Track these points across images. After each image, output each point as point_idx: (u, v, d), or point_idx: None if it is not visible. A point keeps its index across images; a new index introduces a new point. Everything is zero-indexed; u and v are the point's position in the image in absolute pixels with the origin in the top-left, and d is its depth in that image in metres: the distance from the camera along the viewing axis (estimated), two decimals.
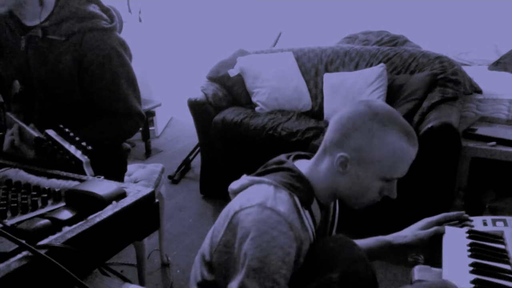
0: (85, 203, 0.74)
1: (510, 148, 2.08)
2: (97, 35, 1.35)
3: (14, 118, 1.25)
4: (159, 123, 4.16)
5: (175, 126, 4.46)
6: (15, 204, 0.77)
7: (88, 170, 0.92)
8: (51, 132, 0.99)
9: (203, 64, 3.24)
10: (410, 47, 2.95)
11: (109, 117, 1.42)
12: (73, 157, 0.93)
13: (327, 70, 2.87)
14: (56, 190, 0.83)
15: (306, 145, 2.34)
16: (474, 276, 0.85)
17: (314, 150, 1.04)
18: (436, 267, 0.95)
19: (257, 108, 2.81)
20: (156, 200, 0.84)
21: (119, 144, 1.56)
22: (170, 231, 2.46)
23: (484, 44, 3.15)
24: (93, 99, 1.40)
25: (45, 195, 0.82)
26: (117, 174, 1.59)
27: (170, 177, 3.13)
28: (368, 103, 0.96)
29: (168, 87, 4.37)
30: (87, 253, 0.67)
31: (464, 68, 2.57)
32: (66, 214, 0.70)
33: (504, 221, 1.05)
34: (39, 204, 0.79)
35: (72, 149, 0.95)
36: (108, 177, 0.92)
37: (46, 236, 0.65)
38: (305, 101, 2.84)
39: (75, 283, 0.62)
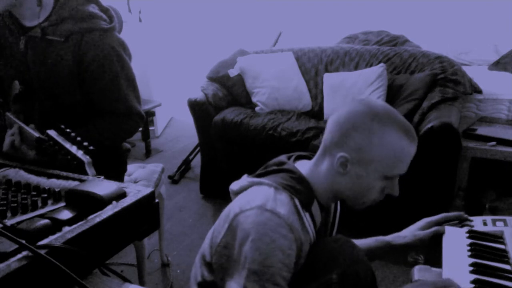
0: (85, 203, 0.74)
1: (510, 148, 2.08)
2: (97, 36, 1.35)
3: (14, 119, 1.25)
4: (159, 123, 4.16)
5: (175, 126, 4.46)
6: (15, 204, 0.77)
7: (90, 170, 0.92)
8: (52, 133, 0.99)
9: (203, 64, 3.24)
10: (410, 47, 2.95)
11: (109, 117, 1.42)
12: (75, 157, 0.93)
13: (327, 70, 2.87)
14: (56, 190, 0.83)
15: (306, 145, 2.34)
16: (474, 276, 0.85)
17: (314, 150, 1.04)
18: (436, 267, 0.95)
19: (257, 108, 2.81)
20: (156, 200, 0.84)
21: (119, 144, 1.56)
22: (170, 231, 2.46)
23: (484, 44, 3.15)
24: (93, 99, 1.40)
25: (45, 195, 0.82)
26: (117, 174, 1.59)
27: (170, 177, 3.13)
28: (366, 102, 0.96)
29: (168, 87, 4.37)
30: (87, 253, 0.67)
31: (464, 68, 2.57)
32: (66, 214, 0.70)
33: (504, 221, 1.05)
34: (39, 204, 0.79)
35: (73, 149, 0.95)
36: (108, 177, 0.92)
37: (46, 236, 0.65)
38: (305, 101, 2.84)
39: (75, 283, 0.62)
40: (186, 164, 3.29)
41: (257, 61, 2.94)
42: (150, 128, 3.83)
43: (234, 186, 1.03)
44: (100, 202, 0.75)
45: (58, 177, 0.91)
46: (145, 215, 0.81)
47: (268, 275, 0.84)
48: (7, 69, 1.42)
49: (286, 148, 2.26)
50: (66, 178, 0.91)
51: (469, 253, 0.93)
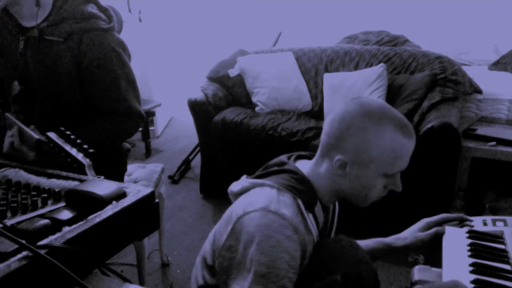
0: (85, 203, 0.74)
1: (510, 148, 2.08)
2: (96, 36, 1.34)
3: (14, 119, 1.25)
4: (159, 123, 4.16)
5: (175, 126, 4.46)
6: (15, 204, 0.77)
7: (90, 173, 0.92)
8: (52, 135, 0.99)
9: (203, 64, 3.24)
10: (410, 47, 2.95)
11: (109, 117, 1.42)
12: (75, 160, 0.93)
13: (327, 70, 2.87)
14: (56, 190, 0.83)
15: (306, 145, 2.34)
16: (474, 276, 0.85)
17: (314, 150, 1.03)
18: (436, 267, 0.95)
19: (257, 108, 2.81)
20: (156, 200, 0.84)
21: (119, 144, 1.56)
22: (170, 231, 2.46)
23: (484, 44, 3.15)
24: (93, 100, 1.40)
25: (45, 195, 0.82)
26: (117, 174, 1.59)
27: (170, 177, 3.13)
28: (360, 101, 0.94)
29: (168, 87, 4.37)
30: (87, 253, 0.67)
31: (464, 68, 2.57)
32: (66, 214, 0.70)
33: (504, 221, 1.05)
34: (39, 204, 0.79)
35: (73, 151, 0.94)
36: (108, 177, 0.92)
37: (46, 236, 0.65)
38: (305, 101, 2.84)
39: (75, 283, 0.62)
40: (186, 164, 3.29)
41: (257, 61, 2.94)
42: (150, 128, 3.84)
43: (234, 187, 1.02)
44: (100, 202, 0.75)
45: (58, 177, 0.91)
46: (145, 215, 0.81)
47: (274, 277, 0.83)
48: (7, 69, 1.42)
49: (286, 148, 2.26)
50: (66, 178, 0.91)
51: (469, 253, 0.93)
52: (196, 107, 2.69)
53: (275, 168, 1.00)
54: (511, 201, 2.19)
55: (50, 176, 0.92)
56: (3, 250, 0.60)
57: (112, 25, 1.40)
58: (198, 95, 2.72)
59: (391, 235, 1.13)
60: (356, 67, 2.79)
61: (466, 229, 1.04)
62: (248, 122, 2.54)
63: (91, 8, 1.39)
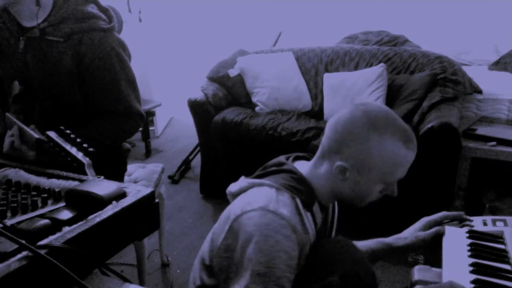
0: (85, 203, 0.74)
1: (510, 148, 2.08)
2: (96, 36, 1.35)
3: (14, 119, 1.25)
4: (159, 123, 4.16)
5: (175, 126, 4.46)
6: (15, 204, 0.77)
7: (90, 172, 0.92)
8: (52, 134, 0.99)
9: (203, 64, 3.24)
10: (410, 47, 2.95)
11: (109, 117, 1.42)
12: (75, 159, 0.93)
13: (327, 70, 2.87)
14: (56, 190, 0.83)
15: (306, 145, 2.34)
16: (474, 276, 0.85)
17: (314, 150, 1.03)
18: (436, 267, 0.95)
19: (257, 108, 2.81)
20: (156, 200, 0.84)
21: (119, 144, 1.56)
22: (170, 231, 2.46)
23: (484, 44, 3.16)
24: (93, 100, 1.41)
25: (45, 195, 0.82)
26: (117, 174, 1.59)
27: (170, 177, 3.13)
28: (364, 108, 0.93)
29: (168, 87, 4.37)
30: (87, 253, 0.67)
31: (464, 68, 2.57)
32: (66, 214, 0.70)
33: (504, 221, 1.05)
34: (39, 204, 0.79)
35: (73, 151, 0.95)
36: (108, 177, 0.92)
37: (46, 236, 0.65)
38: (305, 101, 2.84)
39: (75, 283, 0.62)
40: (186, 164, 3.29)
41: (257, 61, 2.94)
42: (150, 128, 3.83)
43: (233, 188, 1.02)
44: (100, 202, 0.75)
45: (58, 177, 0.91)
46: (145, 215, 0.81)
47: (272, 277, 0.83)
48: (7, 69, 1.42)
49: (286, 148, 2.26)
50: (66, 178, 0.91)
51: (469, 253, 0.93)
52: (196, 107, 2.69)
53: (274, 168, 1.00)
54: (511, 201, 2.19)
55: (50, 176, 0.92)
56: (3, 250, 0.60)
57: (112, 25, 1.40)
58: (198, 95, 2.72)
59: (391, 235, 1.13)
60: (356, 67, 2.79)
61: (466, 229, 1.04)
62: (248, 122, 2.54)
63: (91, 8, 1.40)
